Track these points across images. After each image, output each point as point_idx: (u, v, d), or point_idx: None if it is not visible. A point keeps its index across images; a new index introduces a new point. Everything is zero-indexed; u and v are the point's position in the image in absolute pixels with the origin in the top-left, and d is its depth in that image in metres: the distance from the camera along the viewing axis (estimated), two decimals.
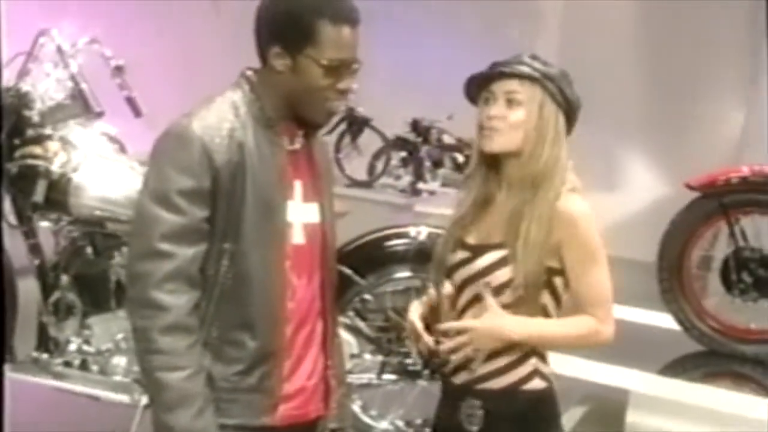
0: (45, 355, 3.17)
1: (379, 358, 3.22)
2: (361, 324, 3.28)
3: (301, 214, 2.04)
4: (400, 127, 10.22)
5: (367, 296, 3.26)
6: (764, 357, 3.99)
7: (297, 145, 2.04)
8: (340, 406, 2.18)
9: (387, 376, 3.24)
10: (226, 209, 1.93)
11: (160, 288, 1.88)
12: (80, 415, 3.39)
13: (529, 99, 2.04)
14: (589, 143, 9.17)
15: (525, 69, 2.05)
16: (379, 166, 10.47)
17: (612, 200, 9.37)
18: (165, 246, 1.89)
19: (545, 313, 2.05)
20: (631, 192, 9.25)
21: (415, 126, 10.14)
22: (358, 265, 3.22)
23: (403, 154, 10.32)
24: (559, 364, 3.71)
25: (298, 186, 2.04)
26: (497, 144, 2.05)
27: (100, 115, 3.23)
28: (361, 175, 10.43)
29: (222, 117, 1.95)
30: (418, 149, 10.14)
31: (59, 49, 3.23)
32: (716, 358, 4.06)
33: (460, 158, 9.84)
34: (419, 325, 2.13)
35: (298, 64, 1.95)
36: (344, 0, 1.99)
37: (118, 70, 3.48)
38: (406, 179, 10.01)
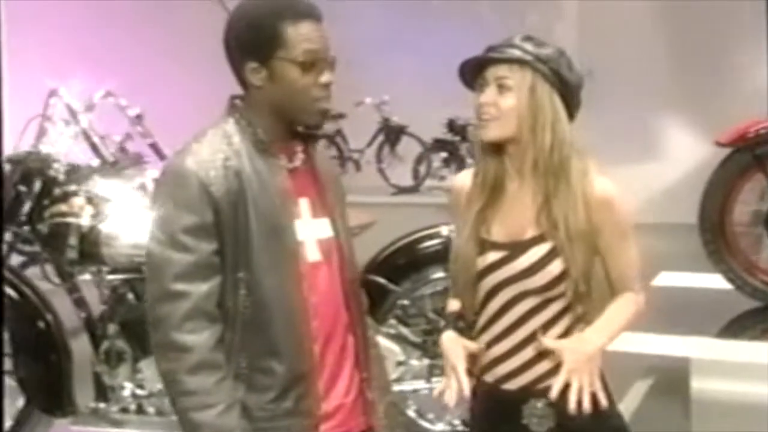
0: (102, 404, 3.15)
1: (426, 361, 3.14)
2: (404, 330, 3.20)
3: (312, 230, 1.96)
4: (437, 129, 10.17)
5: (406, 302, 3.18)
6: None
7: (297, 163, 1.96)
8: (387, 416, 2.09)
9: (437, 379, 3.15)
10: (234, 239, 1.86)
11: (180, 329, 1.82)
12: None
13: (518, 83, 1.90)
14: (619, 117, 9.14)
15: (515, 52, 1.91)
16: (422, 169, 10.44)
17: (651, 168, 9.22)
18: (179, 286, 1.82)
19: (592, 297, 1.95)
20: (669, 158, 9.08)
21: (452, 126, 10.10)
22: (391, 272, 3.14)
23: (444, 154, 10.28)
24: (617, 341, 3.66)
25: (304, 203, 1.96)
26: (492, 132, 1.93)
27: (114, 164, 3.22)
28: (407, 181, 10.41)
29: (215, 148, 1.88)
30: (458, 148, 10.08)
31: (69, 108, 3.23)
32: None
33: None
34: (461, 368, 1.96)
35: (274, 72, 1.87)
36: (300, 0, 1.92)
37: (138, 118, 3.48)
38: (451, 178, 9.94)
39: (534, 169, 1.93)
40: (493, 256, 1.95)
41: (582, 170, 1.92)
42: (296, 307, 1.90)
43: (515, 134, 1.93)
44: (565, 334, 1.94)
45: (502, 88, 1.92)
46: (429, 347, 3.14)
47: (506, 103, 1.91)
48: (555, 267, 1.90)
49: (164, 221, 1.86)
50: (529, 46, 1.93)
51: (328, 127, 10.27)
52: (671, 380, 3.93)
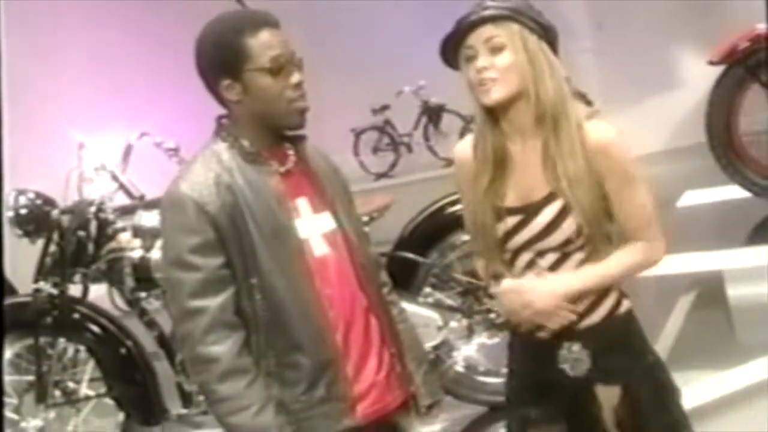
0: (185, 410, 3.11)
1: (465, 322, 3.00)
2: (440, 296, 3.05)
3: (315, 226, 1.84)
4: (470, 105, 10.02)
5: (436, 270, 3.03)
6: None
7: (289, 165, 1.85)
8: (426, 383, 1.96)
9: (478, 337, 3.02)
10: (239, 249, 1.76)
11: (203, 342, 1.73)
12: None
13: (509, 38, 1.70)
14: (628, 59, 8.83)
15: (493, 11, 1.71)
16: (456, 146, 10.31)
17: (664, 99, 8.94)
18: (195, 303, 1.74)
19: (613, 244, 1.76)
20: (679, 86, 8.81)
21: None
22: (418, 245, 3.01)
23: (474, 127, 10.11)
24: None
25: (303, 202, 1.85)
26: (498, 93, 1.71)
27: (141, 198, 3.17)
28: (451, 152, 10.26)
29: (206, 168, 1.78)
30: None
31: (99, 161, 3.22)
32: None
33: None
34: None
35: (247, 84, 1.77)
36: (253, 12, 1.83)
37: (174, 151, 3.40)
38: None
39: (537, 123, 1.74)
40: (511, 221, 1.78)
41: (576, 116, 1.73)
42: (310, 301, 1.79)
43: (520, 90, 1.72)
44: None
45: (493, 49, 1.71)
46: (465, 308, 3.01)
47: (503, 61, 1.71)
48: (569, 223, 1.73)
49: (170, 246, 1.78)
50: (500, 3, 1.73)
51: (377, 119, 10.19)
52: (710, 293, 3.71)
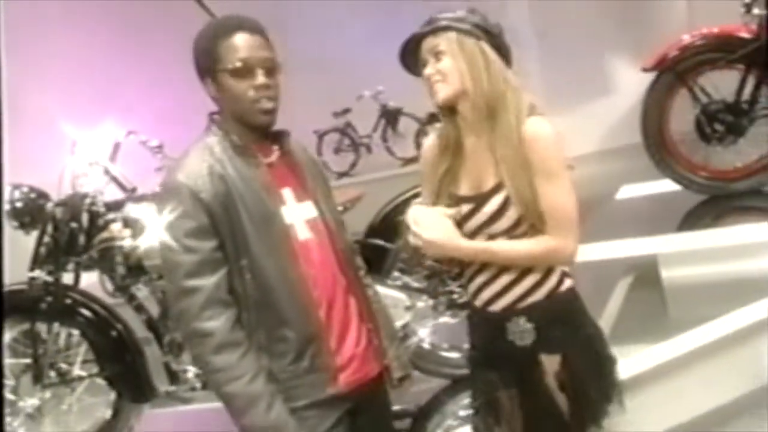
0: (174, 387, 3.12)
1: (430, 302, 3.05)
2: (407, 279, 3.10)
3: (298, 213, 1.88)
4: (428, 105, 10.05)
5: (404, 255, 3.07)
6: (756, 187, 3.70)
7: (274, 158, 1.88)
8: (397, 357, 2.01)
9: (443, 317, 3.07)
10: (230, 233, 1.78)
11: (199, 318, 1.76)
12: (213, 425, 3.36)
13: (447, 46, 1.81)
14: (571, 65, 8.98)
15: (433, 25, 1.83)
16: (423, 141, 10.31)
17: (604, 102, 9.12)
18: (191, 282, 1.76)
19: None
20: (616, 91, 9.01)
21: None
22: (386, 233, 3.05)
23: (439, 124, 10.15)
24: (594, 251, 3.56)
25: (287, 192, 1.88)
26: (442, 93, 1.83)
27: (134, 191, 3.17)
28: (411, 152, 10.30)
29: (200, 159, 1.81)
30: None
31: (92, 156, 3.20)
32: (717, 201, 3.77)
33: None
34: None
35: (219, 83, 1.82)
36: (232, 17, 1.86)
37: (159, 148, 3.40)
38: None
39: (484, 119, 1.81)
40: (464, 208, 1.85)
41: (517, 106, 1.80)
42: (296, 281, 1.82)
43: (462, 88, 1.82)
44: None
45: (437, 55, 1.82)
46: (430, 290, 3.06)
47: (444, 66, 1.82)
48: (513, 212, 1.80)
49: (168, 230, 1.80)
50: (447, 15, 1.84)
51: (338, 121, 10.20)
52: (646, 276, 3.82)
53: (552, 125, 1.82)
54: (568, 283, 1.89)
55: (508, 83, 1.82)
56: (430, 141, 1.96)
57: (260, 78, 1.80)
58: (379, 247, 3.06)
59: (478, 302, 1.91)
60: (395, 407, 2.06)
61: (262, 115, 1.82)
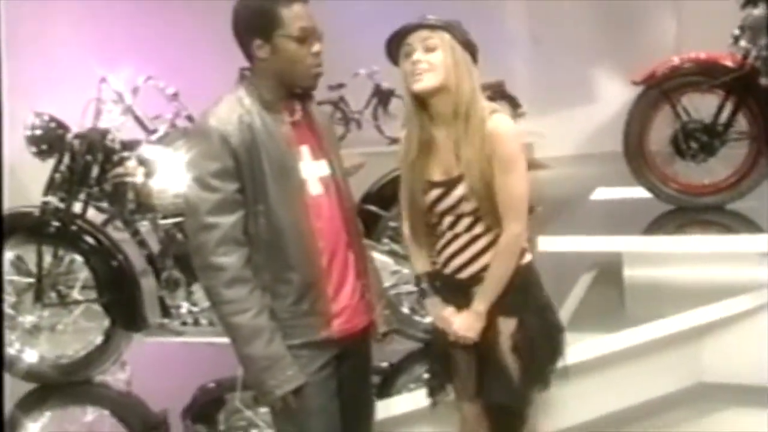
0: (167, 320, 3.18)
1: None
2: (395, 246, 3.19)
3: (313, 170, 1.95)
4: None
5: (395, 224, 3.16)
6: (720, 203, 3.84)
7: (297, 117, 1.95)
8: (383, 315, 2.11)
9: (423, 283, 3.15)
10: (251, 179, 1.86)
11: (215, 253, 1.83)
12: (199, 360, 3.45)
13: (441, 43, 1.94)
14: (562, 71, 9.09)
15: (431, 21, 1.96)
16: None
17: (590, 109, 9.24)
18: (211, 219, 1.83)
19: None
20: (602, 99, 9.12)
21: None
22: (381, 201, 3.13)
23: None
24: (563, 243, 3.68)
25: (305, 149, 1.95)
26: (427, 82, 1.94)
27: (154, 132, 3.21)
28: (399, 133, 10.30)
29: (231, 109, 1.88)
30: None
31: (116, 92, 3.22)
32: (684, 212, 3.89)
33: None
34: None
35: (276, 47, 1.87)
36: None
37: (174, 96, 3.43)
38: None
39: (453, 115, 1.94)
40: (435, 192, 2.00)
41: (482, 113, 1.94)
42: (305, 230, 1.90)
43: (444, 84, 1.94)
44: (495, 238, 2.00)
45: (428, 48, 1.93)
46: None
47: (435, 59, 1.94)
48: (470, 203, 1.97)
49: (195, 169, 1.86)
50: (438, 17, 1.97)
51: (332, 95, 10.19)
52: (609, 272, 3.96)
53: (512, 122, 1.98)
54: (527, 257, 2.05)
55: (477, 92, 1.97)
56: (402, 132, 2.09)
57: (317, 46, 1.89)
58: (373, 213, 3.13)
59: (448, 270, 2.05)
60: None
61: (313, 79, 1.92)
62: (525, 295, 2.03)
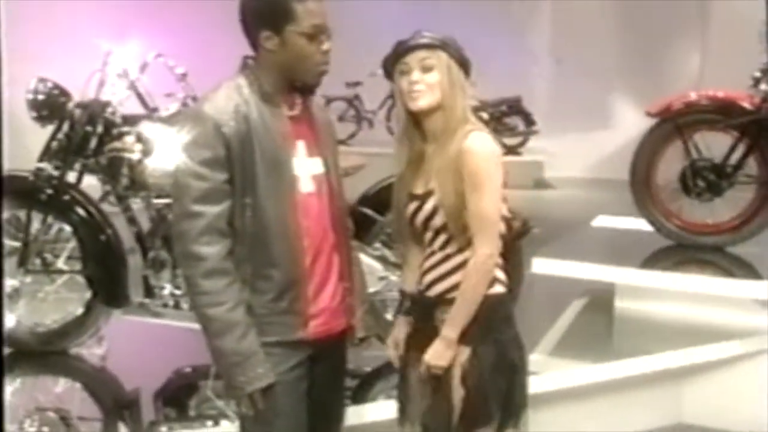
0: (148, 300, 3.16)
1: None
2: (386, 252, 3.16)
3: (307, 167, 1.93)
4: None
5: (389, 230, 3.13)
6: (721, 245, 3.78)
7: (296, 111, 1.93)
8: (363, 320, 2.08)
9: None
10: (242, 170, 1.83)
11: (197, 242, 1.81)
12: (177, 343, 3.43)
13: (438, 63, 1.93)
14: (581, 94, 9.07)
15: (429, 41, 1.94)
16: None
17: (604, 134, 9.21)
18: (196, 207, 1.81)
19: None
20: (618, 126, 9.08)
21: None
22: (377, 205, 3.10)
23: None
24: (558, 267, 3.65)
25: (301, 145, 1.92)
26: (424, 101, 1.93)
27: (155, 110, 3.18)
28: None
29: (229, 97, 1.85)
30: None
31: (121, 66, 3.20)
32: (683, 250, 3.84)
33: (485, 116, 9.66)
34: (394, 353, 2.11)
35: (286, 40, 1.85)
36: None
37: (183, 76, 3.41)
38: None
39: (444, 131, 1.93)
40: (413, 205, 1.98)
41: (465, 130, 1.92)
42: (291, 227, 1.87)
43: (439, 103, 1.93)
44: (466, 261, 1.93)
45: (425, 68, 1.92)
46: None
47: (431, 79, 1.93)
48: (441, 216, 1.93)
49: (186, 155, 1.83)
50: (434, 35, 1.95)
51: (348, 92, 10.18)
52: (601, 301, 3.93)
53: (490, 141, 1.93)
54: (497, 288, 1.96)
55: (468, 110, 1.96)
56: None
57: (326, 44, 1.87)
58: (369, 217, 3.11)
59: (421, 286, 2.01)
60: (349, 366, 2.14)
61: (318, 77, 1.90)
62: (486, 326, 1.94)
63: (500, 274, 1.98)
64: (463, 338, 1.94)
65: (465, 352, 1.94)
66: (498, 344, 1.96)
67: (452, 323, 1.94)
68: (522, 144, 9.70)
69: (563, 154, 8.80)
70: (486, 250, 1.92)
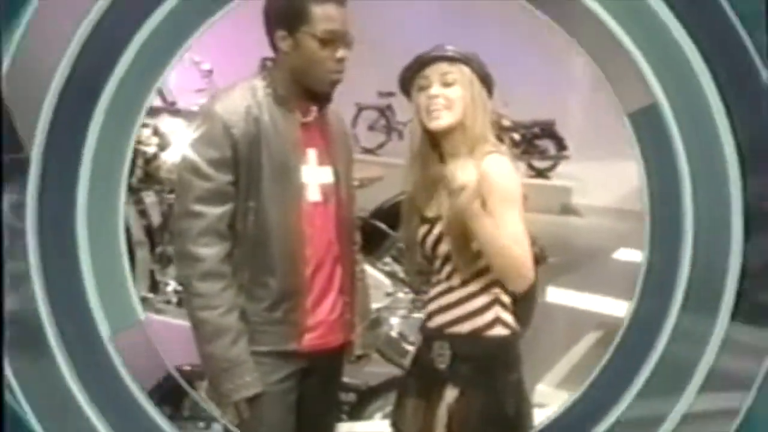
0: (151, 295, 3.15)
1: (411, 295, 3.07)
2: (396, 268, 3.12)
3: (316, 176, 1.89)
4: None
5: (401, 245, 3.09)
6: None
7: (310, 118, 1.88)
8: (363, 336, 2.03)
9: (417, 313, 3.09)
10: (247, 173, 1.80)
11: (195, 242, 1.78)
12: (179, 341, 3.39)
13: (460, 77, 1.82)
14: (619, 120, 8.89)
15: (451, 53, 1.84)
16: None
17: (635, 164, 9.03)
18: (197, 207, 1.78)
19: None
20: None
21: None
22: (390, 219, 3.05)
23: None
24: (574, 299, 3.58)
25: (312, 153, 1.88)
26: (445, 119, 1.81)
27: (173, 104, 3.18)
28: None
29: (242, 97, 1.83)
30: None
31: None
32: None
33: (516, 136, 9.61)
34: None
35: (298, 42, 1.81)
36: None
37: (209, 72, 3.41)
38: None
39: (468, 150, 1.82)
40: (423, 229, 1.88)
41: (483, 150, 1.81)
42: (293, 235, 1.84)
43: (460, 120, 1.82)
44: (466, 297, 1.84)
45: (446, 83, 1.82)
46: (415, 285, 3.07)
47: (453, 94, 1.82)
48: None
49: (192, 152, 1.81)
50: (457, 49, 1.85)
51: (381, 101, 10.18)
52: (615, 335, 3.83)
53: (509, 165, 1.82)
54: (500, 330, 1.83)
55: (488, 129, 1.85)
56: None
57: (341, 52, 1.82)
58: (381, 230, 3.07)
59: (425, 313, 1.93)
60: (348, 379, 2.09)
61: (330, 86, 1.85)
62: (478, 368, 1.82)
63: (506, 316, 1.85)
64: (456, 378, 1.83)
65: (453, 392, 1.84)
66: (490, 391, 1.83)
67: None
68: (552, 168, 9.60)
69: (594, 182, 8.68)
70: (529, 265, 1.79)
